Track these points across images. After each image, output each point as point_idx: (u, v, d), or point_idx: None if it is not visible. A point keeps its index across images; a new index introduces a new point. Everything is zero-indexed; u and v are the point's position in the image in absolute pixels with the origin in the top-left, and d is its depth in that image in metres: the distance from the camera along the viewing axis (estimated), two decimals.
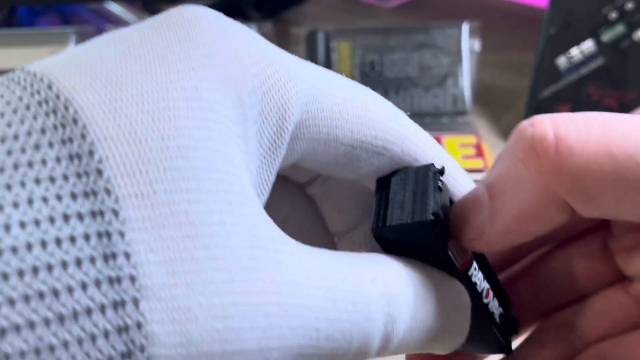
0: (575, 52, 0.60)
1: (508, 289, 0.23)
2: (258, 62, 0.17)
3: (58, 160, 0.14)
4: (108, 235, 0.14)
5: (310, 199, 0.23)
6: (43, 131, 0.14)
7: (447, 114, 0.66)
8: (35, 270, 0.13)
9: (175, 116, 0.15)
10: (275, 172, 0.18)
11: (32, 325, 0.13)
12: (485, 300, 0.21)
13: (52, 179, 0.14)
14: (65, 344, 0.13)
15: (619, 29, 0.59)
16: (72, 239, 0.13)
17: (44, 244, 0.13)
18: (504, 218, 0.18)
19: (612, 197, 0.17)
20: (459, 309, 0.20)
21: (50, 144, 0.14)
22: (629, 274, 0.21)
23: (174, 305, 0.14)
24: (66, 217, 0.13)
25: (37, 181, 0.13)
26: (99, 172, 0.14)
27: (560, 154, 0.17)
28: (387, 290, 0.17)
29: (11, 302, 0.12)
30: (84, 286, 0.13)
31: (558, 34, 0.60)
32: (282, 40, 0.64)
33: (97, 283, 0.13)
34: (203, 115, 0.15)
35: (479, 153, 0.59)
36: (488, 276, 0.22)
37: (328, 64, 0.66)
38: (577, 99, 0.60)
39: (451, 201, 0.21)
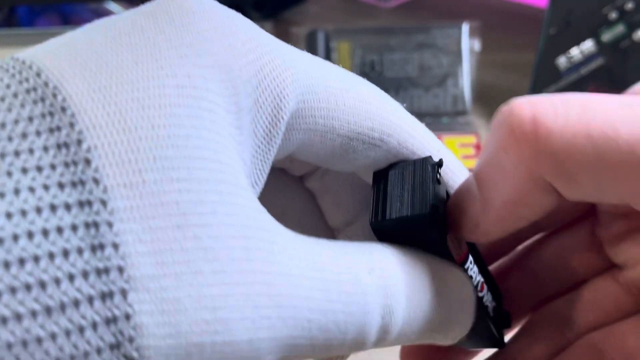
0: (575, 52, 0.60)
1: (499, 282, 0.23)
2: (253, 50, 0.17)
3: (46, 149, 0.14)
4: (96, 225, 0.13)
5: (308, 193, 0.23)
6: (31, 119, 0.14)
7: (447, 114, 0.66)
8: (21, 261, 0.13)
9: (166, 104, 0.15)
10: (270, 163, 0.18)
11: (18, 317, 0.12)
12: (480, 294, 0.21)
13: (39, 169, 0.13)
14: (53, 336, 0.13)
15: (619, 29, 0.59)
16: (60, 230, 0.13)
17: (30, 235, 0.13)
18: (495, 207, 0.18)
19: (594, 179, 0.16)
20: (462, 299, 0.20)
21: (38, 133, 0.14)
22: (618, 261, 0.21)
23: (163, 296, 0.14)
24: (53, 208, 0.13)
25: (24, 171, 0.13)
26: (87, 162, 0.14)
27: (539, 137, 0.16)
28: (384, 281, 0.17)
29: None
30: (71, 278, 0.13)
31: (558, 34, 0.60)
32: (282, 40, 0.64)
33: (85, 274, 0.13)
34: (195, 103, 0.15)
35: (479, 153, 0.59)
36: (481, 269, 0.22)
37: None
38: None
39: (448, 194, 0.20)
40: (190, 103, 0.15)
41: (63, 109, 0.14)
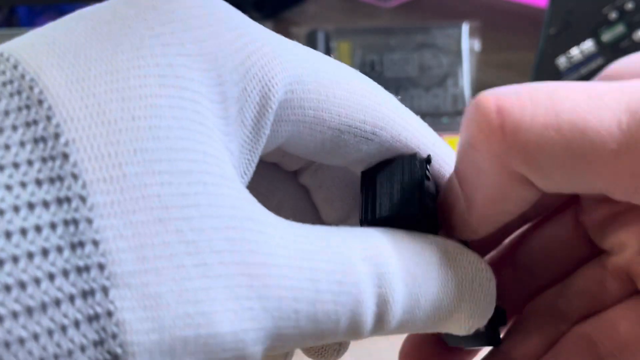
0: (575, 52, 0.60)
1: None
2: (240, 37, 0.16)
3: (22, 144, 0.13)
4: (75, 223, 0.13)
5: (303, 189, 0.23)
6: (7, 113, 0.14)
7: (447, 114, 0.66)
8: (0, 262, 0.12)
9: (147, 95, 0.14)
10: (259, 153, 0.17)
11: None
12: None
13: (15, 165, 0.13)
14: (35, 336, 0.13)
15: (619, 29, 0.59)
16: (38, 229, 0.13)
17: (8, 234, 0.13)
18: (478, 204, 0.18)
19: (566, 171, 0.16)
20: (477, 282, 0.19)
21: (14, 127, 0.13)
22: (605, 247, 0.21)
23: (145, 292, 0.14)
24: (31, 206, 0.13)
25: (0, 168, 0.13)
26: (65, 156, 0.14)
27: (506, 130, 0.16)
28: (378, 269, 0.17)
29: None
30: (51, 277, 0.13)
31: (558, 34, 0.60)
32: None
33: (65, 273, 0.13)
34: (177, 93, 0.15)
35: None
36: None
37: None
38: None
39: (438, 189, 0.20)
40: (172, 93, 0.15)
41: (40, 102, 0.14)
